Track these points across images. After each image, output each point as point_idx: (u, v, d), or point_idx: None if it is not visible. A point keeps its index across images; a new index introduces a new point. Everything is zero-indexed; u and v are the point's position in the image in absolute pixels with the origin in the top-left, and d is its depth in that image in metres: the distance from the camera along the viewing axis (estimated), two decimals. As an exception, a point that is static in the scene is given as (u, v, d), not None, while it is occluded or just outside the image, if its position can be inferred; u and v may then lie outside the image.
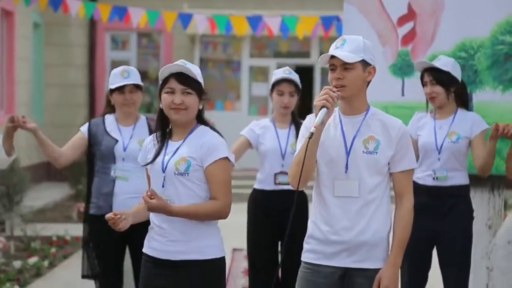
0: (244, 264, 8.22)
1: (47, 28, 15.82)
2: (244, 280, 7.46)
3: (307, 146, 3.27)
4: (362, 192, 3.36)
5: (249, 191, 5.44)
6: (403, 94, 5.14)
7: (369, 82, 3.45)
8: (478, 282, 5.11)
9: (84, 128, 4.99)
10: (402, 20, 5.17)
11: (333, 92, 3.30)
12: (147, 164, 3.54)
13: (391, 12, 5.16)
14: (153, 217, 3.52)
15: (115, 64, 16.33)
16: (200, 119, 3.58)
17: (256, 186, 5.34)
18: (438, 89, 4.68)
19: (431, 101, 4.73)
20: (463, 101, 4.81)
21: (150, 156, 3.52)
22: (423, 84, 4.74)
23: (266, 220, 5.22)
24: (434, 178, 4.71)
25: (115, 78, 4.91)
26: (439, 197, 4.70)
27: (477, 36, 5.02)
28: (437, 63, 4.69)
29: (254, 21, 10.57)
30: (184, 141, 3.51)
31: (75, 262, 8.21)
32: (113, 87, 4.90)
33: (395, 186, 3.43)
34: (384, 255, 3.41)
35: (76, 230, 9.70)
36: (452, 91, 4.70)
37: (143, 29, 13.76)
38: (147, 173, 3.61)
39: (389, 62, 5.17)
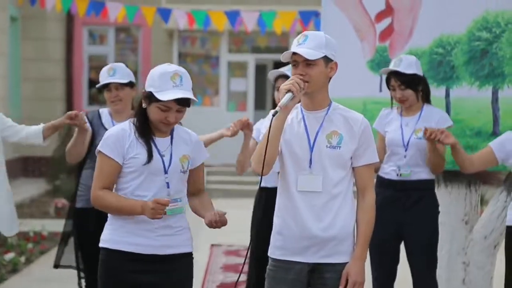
0: (223, 259, 8.22)
1: (24, 22, 15.70)
2: (223, 276, 7.46)
3: (270, 124, 3.30)
4: (326, 186, 3.39)
5: (228, 187, 5.42)
6: (380, 90, 5.15)
7: (330, 78, 3.45)
8: (454, 277, 5.14)
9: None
10: (380, 16, 5.18)
11: (300, 79, 3.32)
12: (143, 164, 3.39)
13: (369, 8, 5.18)
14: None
15: (92, 58, 16.27)
16: None
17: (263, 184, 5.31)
18: (408, 92, 4.70)
19: (401, 103, 4.75)
20: (427, 95, 4.83)
21: (139, 153, 3.41)
22: (390, 88, 4.74)
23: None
24: (397, 175, 4.74)
25: (102, 77, 4.92)
26: (404, 190, 4.73)
27: (454, 32, 5.05)
28: (401, 66, 4.68)
29: (232, 16, 10.55)
30: (172, 138, 3.49)
31: (52, 258, 8.14)
32: (98, 86, 4.93)
33: (357, 180, 3.47)
34: (350, 249, 3.44)
35: (53, 225, 9.66)
36: (420, 90, 4.73)
37: (121, 23, 13.70)
38: (111, 164, 3.42)
39: (367, 57, 5.19)
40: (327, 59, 3.39)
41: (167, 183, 3.43)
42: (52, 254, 8.35)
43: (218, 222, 3.41)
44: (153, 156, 3.41)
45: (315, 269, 3.41)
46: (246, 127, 4.92)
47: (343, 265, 3.40)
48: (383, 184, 4.83)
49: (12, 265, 7.64)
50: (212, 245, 8.94)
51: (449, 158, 4.97)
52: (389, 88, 4.76)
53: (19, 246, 8.45)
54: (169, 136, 3.49)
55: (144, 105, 3.45)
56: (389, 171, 4.78)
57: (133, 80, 4.98)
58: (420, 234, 4.74)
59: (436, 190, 5.24)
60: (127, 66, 5.11)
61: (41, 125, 4.94)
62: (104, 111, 5.00)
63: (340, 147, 3.39)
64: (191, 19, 10.69)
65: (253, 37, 15.78)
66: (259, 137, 5.09)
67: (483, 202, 9.22)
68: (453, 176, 5.15)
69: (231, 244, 8.93)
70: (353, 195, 3.47)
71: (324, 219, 3.38)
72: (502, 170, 5.12)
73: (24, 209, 11.45)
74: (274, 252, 3.48)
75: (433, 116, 4.74)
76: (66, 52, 16.07)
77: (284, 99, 3.29)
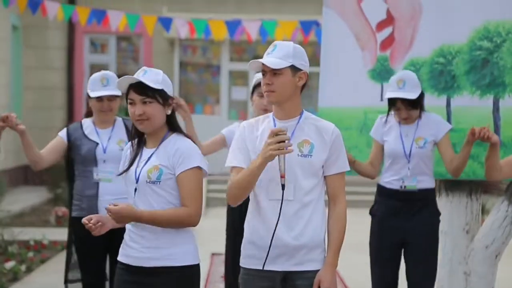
0: (223, 268, 8.20)
1: (25, 30, 15.72)
2: (223, 286, 7.44)
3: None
4: (298, 195, 3.40)
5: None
6: (381, 99, 5.15)
7: (302, 87, 3.46)
8: (455, 286, 5.13)
9: (63, 133, 5.00)
10: (381, 25, 5.19)
11: (283, 134, 3.28)
12: (121, 174, 3.53)
13: (370, 17, 5.18)
14: (128, 224, 3.50)
15: (94, 67, 16.28)
16: (172, 125, 3.55)
17: None
18: (414, 112, 4.74)
19: (406, 122, 4.77)
20: (422, 104, 4.84)
21: (125, 165, 3.52)
22: (394, 108, 4.74)
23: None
24: (402, 187, 4.74)
25: (95, 85, 4.91)
26: (407, 200, 4.74)
27: (455, 41, 5.05)
28: (406, 88, 4.66)
29: (233, 26, 10.56)
30: (157, 148, 3.50)
31: (53, 267, 8.16)
32: (92, 95, 4.93)
33: (329, 188, 3.48)
34: (321, 257, 3.45)
35: (54, 234, 9.66)
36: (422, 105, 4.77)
37: (122, 32, 13.72)
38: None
39: (368, 67, 5.19)
40: (294, 68, 3.40)
41: (135, 190, 3.45)
42: (52, 263, 8.36)
43: (87, 225, 3.42)
44: (131, 167, 3.49)
45: (287, 277, 3.43)
46: (180, 107, 4.96)
47: (314, 272, 3.42)
48: (384, 193, 4.82)
49: (13, 273, 7.63)
50: (213, 254, 8.92)
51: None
52: (391, 108, 4.76)
53: (20, 255, 8.45)
54: (155, 148, 3.50)
55: None
56: (391, 181, 4.78)
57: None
58: (421, 243, 4.73)
59: (437, 199, 5.24)
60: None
61: None
62: (87, 121, 5.04)
63: (311, 155, 3.41)
64: (192, 28, 10.70)
65: (254, 46, 15.79)
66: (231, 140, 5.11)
67: (484, 211, 9.21)
68: (454, 185, 5.15)
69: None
70: (324, 204, 3.49)
71: (295, 228, 3.40)
72: (503, 180, 5.11)
73: (24, 218, 11.44)
74: (246, 261, 3.49)
75: (431, 122, 4.76)
76: (68, 61, 16.09)
77: (281, 166, 3.30)
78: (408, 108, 4.71)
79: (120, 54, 16.48)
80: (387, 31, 5.17)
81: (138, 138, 3.54)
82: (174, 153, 3.46)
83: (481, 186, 5.22)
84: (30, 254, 8.54)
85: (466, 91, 5.05)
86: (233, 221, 5.33)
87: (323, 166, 3.44)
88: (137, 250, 3.46)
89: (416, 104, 4.72)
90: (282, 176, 3.31)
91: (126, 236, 3.53)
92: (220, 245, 9.33)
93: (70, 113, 15.91)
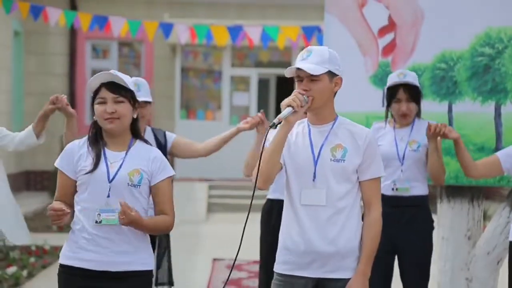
0: (225, 274, 8.20)
1: (27, 36, 15.75)
2: (224, 290, 7.43)
3: (265, 136, 3.33)
4: (330, 200, 3.37)
5: (229, 201, 5.44)
6: (383, 105, 5.15)
7: (335, 92, 3.45)
8: (457, 292, 5.13)
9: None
10: (383, 31, 5.19)
11: (302, 95, 3.32)
12: (87, 173, 3.39)
13: (371, 23, 5.19)
14: (87, 226, 3.39)
15: (95, 73, 16.18)
16: (136, 131, 3.53)
17: (270, 196, 5.32)
18: (413, 106, 4.72)
19: (403, 118, 4.74)
20: (419, 110, 4.83)
21: (87, 164, 3.41)
22: (394, 100, 4.72)
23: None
24: (393, 189, 4.73)
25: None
26: (398, 207, 4.71)
27: (457, 47, 5.06)
28: (408, 79, 4.69)
29: (234, 31, 10.58)
30: (128, 152, 3.47)
31: (54, 272, 8.12)
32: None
33: (363, 194, 3.45)
34: (354, 265, 3.41)
35: (56, 239, 9.65)
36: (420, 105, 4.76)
37: (124, 38, 13.74)
38: (64, 178, 3.45)
39: (370, 72, 5.20)
40: (331, 74, 3.39)
41: (109, 192, 3.38)
42: (54, 268, 8.35)
43: (123, 211, 3.29)
44: (99, 165, 3.40)
45: (319, 284, 3.40)
46: (261, 123, 4.90)
47: (346, 280, 3.38)
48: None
49: (14, 279, 7.62)
50: (214, 260, 8.92)
51: (452, 172, 4.97)
52: (390, 102, 4.75)
53: (21, 260, 8.44)
54: (124, 151, 3.47)
55: (94, 117, 3.49)
56: (384, 186, 4.78)
57: None
58: (415, 251, 4.72)
59: (438, 205, 5.24)
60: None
61: (30, 125, 4.91)
62: None
63: (344, 160, 3.38)
64: (193, 33, 10.71)
65: (256, 52, 15.81)
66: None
67: (486, 217, 9.21)
68: (456, 191, 5.15)
69: (233, 258, 8.91)
70: (360, 210, 3.46)
71: (329, 234, 3.37)
72: (505, 186, 5.11)
73: (26, 223, 11.43)
74: (279, 266, 3.47)
75: (425, 126, 4.74)
76: (69, 67, 16.11)
77: (282, 112, 3.29)
78: (409, 100, 4.69)
79: (122, 60, 16.49)
80: (388, 37, 5.18)
81: (95, 138, 3.47)
82: (153, 160, 3.46)
83: (483, 192, 5.22)
84: (32, 259, 8.54)
85: (468, 97, 5.05)
86: (267, 228, 5.29)
87: (357, 171, 3.42)
88: (102, 254, 3.38)
89: (417, 99, 4.70)
90: (280, 120, 3.27)
91: (79, 239, 3.40)
92: (221, 250, 9.34)
93: (71, 118, 15.90)
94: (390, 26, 5.18)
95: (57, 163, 3.48)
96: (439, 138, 4.56)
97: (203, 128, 15.33)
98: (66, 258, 3.45)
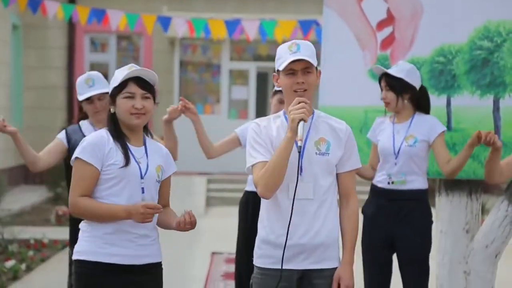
0: (223, 267, 8.21)
1: (25, 30, 15.73)
2: (223, 284, 7.45)
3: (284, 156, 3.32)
4: (317, 193, 3.41)
5: (228, 195, 5.49)
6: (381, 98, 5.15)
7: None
8: (455, 286, 5.13)
9: (62, 136, 4.98)
10: (381, 25, 5.19)
11: (306, 103, 3.33)
12: (121, 167, 3.40)
13: (370, 16, 5.18)
14: (119, 222, 3.39)
15: (94, 66, 16.29)
16: (145, 126, 3.56)
17: (248, 188, 5.41)
18: (390, 95, 4.74)
19: (385, 106, 4.80)
20: (422, 106, 4.82)
21: (119, 159, 3.41)
22: (381, 89, 4.80)
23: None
24: (389, 183, 4.74)
25: (81, 88, 4.94)
26: (396, 200, 4.72)
27: (455, 41, 5.05)
28: (393, 69, 4.74)
29: (232, 25, 10.56)
30: (145, 147, 3.51)
31: (53, 266, 8.17)
32: (80, 98, 4.94)
33: (341, 186, 3.50)
34: (337, 254, 3.48)
35: (54, 233, 9.67)
36: (406, 97, 4.74)
37: (123, 31, 13.73)
38: (91, 170, 3.40)
39: (368, 66, 5.19)
40: (316, 68, 3.46)
41: (142, 188, 3.42)
42: (53, 262, 8.36)
43: (187, 224, 3.41)
44: (130, 161, 3.41)
45: (304, 276, 3.44)
46: (186, 110, 4.97)
47: (331, 270, 3.44)
48: (376, 192, 4.84)
49: (13, 272, 7.63)
50: (213, 253, 8.93)
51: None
52: (381, 89, 4.81)
53: (20, 254, 8.45)
54: (143, 146, 3.51)
55: (112, 109, 3.48)
56: (381, 180, 4.79)
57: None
58: (413, 247, 4.73)
59: (437, 199, 5.24)
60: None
61: None
62: (85, 123, 5.02)
63: (328, 153, 3.43)
64: (191, 27, 10.70)
65: (254, 46, 15.80)
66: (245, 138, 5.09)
67: (484, 211, 9.21)
68: (454, 185, 5.15)
69: (232, 252, 8.91)
70: (337, 202, 3.51)
71: (314, 226, 3.41)
72: (503, 179, 5.11)
73: (25, 217, 11.45)
74: (261, 260, 3.47)
75: (425, 122, 4.74)
76: (68, 60, 16.09)
77: (300, 130, 3.27)
78: (387, 88, 4.72)
79: (121, 54, 16.48)
80: (387, 31, 5.17)
81: (119, 134, 3.48)
82: (166, 155, 3.57)
83: (481, 186, 5.22)
84: (30, 253, 8.55)
85: (466, 91, 5.05)
86: (245, 221, 5.36)
87: (336, 164, 3.46)
88: (129, 248, 3.41)
89: (395, 88, 4.70)
90: (301, 139, 3.26)
91: (103, 234, 3.40)
92: (219, 244, 9.35)
93: (70, 112, 15.90)
94: (389, 19, 5.17)
95: (81, 155, 3.40)
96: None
97: (202, 122, 15.32)
98: (91, 254, 3.41)
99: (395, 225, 4.73)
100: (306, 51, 3.40)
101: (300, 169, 3.36)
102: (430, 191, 4.94)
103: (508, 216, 4.96)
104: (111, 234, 3.41)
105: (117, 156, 3.41)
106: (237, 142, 5.33)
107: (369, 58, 5.20)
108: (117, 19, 10.47)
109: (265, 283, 3.45)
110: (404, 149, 4.71)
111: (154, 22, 10.56)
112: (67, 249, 8.98)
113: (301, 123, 3.28)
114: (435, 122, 4.77)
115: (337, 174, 3.49)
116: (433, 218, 4.89)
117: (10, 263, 7.84)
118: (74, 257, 3.46)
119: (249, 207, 5.40)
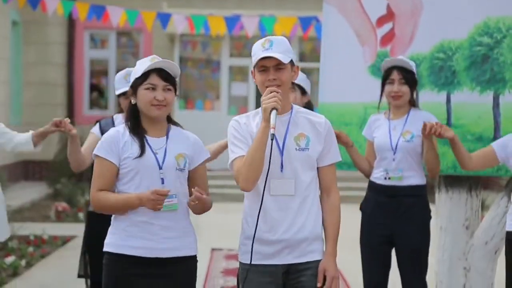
0: (223, 264, 8.21)
1: (25, 26, 15.71)
2: (223, 281, 7.46)
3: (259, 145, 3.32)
4: (298, 189, 3.42)
5: (228, 191, 5.46)
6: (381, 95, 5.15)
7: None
8: (455, 282, 5.14)
9: (96, 130, 4.97)
10: (381, 21, 5.18)
11: (277, 92, 3.34)
12: (135, 158, 3.40)
13: (370, 12, 5.18)
14: (140, 213, 3.41)
15: (94, 62, 16.28)
16: (169, 116, 3.59)
17: None
18: (405, 88, 4.72)
19: (394, 99, 4.74)
20: (414, 101, 4.84)
21: (134, 151, 3.42)
22: (388, 82, 4.74)
23: None
24: (385, 178, 4.74)
25: (119, 83, 4.98)
26: (395, 197, 4.72)
27: (455, 37, 5.05)
28: (404, 63, 4.72)
29: (232, 21, 10.56)
30: (168, 137, 3.51)
31: (53, 262, 8.17)
32: (117, 92, 4.98)
33: (322, 180, 3.51)
34: (320, 247, 3.49)
35: (54, 229, 9.68)
36: (413, 92, 4.75)
37: (122, 28, 13.72)
38: (109, 166, 3.43)
39: (368, 62, 5.19)
40: (291, 63, 3.44)
41: (162, 178, 3.42)
42: (52, 258, 8.37)
43: (192, 200, 3.36)
44: (146, 151, 3.42)
45: (290, 269, 3.45)
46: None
47: (315, 262, 3.45)
48: (374, 189, 4.84)
49: (13, 268, 7.63)
50: (213, 250, 8.93)
51: (450, 162, 4.98)
52: (383, 83, 4.76)
53: (20, 250, 8.45)
54: (165, 137, 3.50)
55: (133, 101, 3.50)
56: (379, 176, 4.79)
57: None
58: (413, 243, 4.73)
59: (436, 195, 5.25)
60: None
61: (30, 132, 4.97)
62: (119, 117, 5.01)
63: (308, 148, 3.44)
64: (190, 23, 10.69)
65: (254, 42, 15.71)
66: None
67: (484, 207, 9.21)
68: (454, 181, 5.15)
69: (232, 249, 8.92)
70: (318, 196, 3.52)
71: (297, 222, 3.42)
72: (503, 176, 5.11)
73: (24, 213, 11.45)
74: (245, 256, 3.47)
75: (420, 117, 4.74)
76: (68, 56, 16.07)
77: (272, 118, 3.29)
78: (402, 81, 4.70)
79: (120, 50, 16.47)
80: (387, 27, 5.17)
81: (137, 125, 3.49)
82: (194, 143, 3.54)
83: (481, 182, 5.22)
84: (30, 249, 8.55)
85: (466, 87, 5.05)
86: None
87: (316, 159, 3.48)
88: (154, 241, 3.41)
89: (410, 82, 4.70)
90: (273, 127, 3.27)
91: (127, 227, 3.43)
92: (219, 240, 9.35)
93: (70, 109, 15.89)
94: (389, 15, 5.17)
95: (98, 152, 3.46)
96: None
97: (202, 118, 15.33)
98: (115, 247, 3.46)
99: (394, 221, 4.73)
100: (278, 48, 3.40)
101: (281, 165, 3.39)
102: (430, 188, 4.94)
103: (507, 212, 4.96)
104: (134, 226, 3.43)
105: (132, 148, 3.44)
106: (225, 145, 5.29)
107: (369, 55, 5.20)
108: (117, 16, 10.47)
109: (250, 279, 3.45)
110: (402, 144, 4.71)
111: (153, 18, 10.55)
112: (67, 245, 9.02)
113: (274, 111, 3.29)
114: (430, 117, 4.77)
115: (317, 168, 3.49)
116: (433, 215, 4.89)
117: (10, 259, 7.85)
118: (104, 249, 3.52)
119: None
